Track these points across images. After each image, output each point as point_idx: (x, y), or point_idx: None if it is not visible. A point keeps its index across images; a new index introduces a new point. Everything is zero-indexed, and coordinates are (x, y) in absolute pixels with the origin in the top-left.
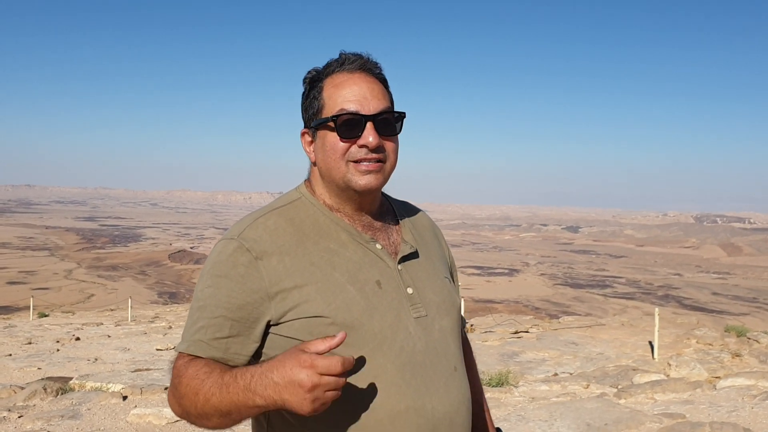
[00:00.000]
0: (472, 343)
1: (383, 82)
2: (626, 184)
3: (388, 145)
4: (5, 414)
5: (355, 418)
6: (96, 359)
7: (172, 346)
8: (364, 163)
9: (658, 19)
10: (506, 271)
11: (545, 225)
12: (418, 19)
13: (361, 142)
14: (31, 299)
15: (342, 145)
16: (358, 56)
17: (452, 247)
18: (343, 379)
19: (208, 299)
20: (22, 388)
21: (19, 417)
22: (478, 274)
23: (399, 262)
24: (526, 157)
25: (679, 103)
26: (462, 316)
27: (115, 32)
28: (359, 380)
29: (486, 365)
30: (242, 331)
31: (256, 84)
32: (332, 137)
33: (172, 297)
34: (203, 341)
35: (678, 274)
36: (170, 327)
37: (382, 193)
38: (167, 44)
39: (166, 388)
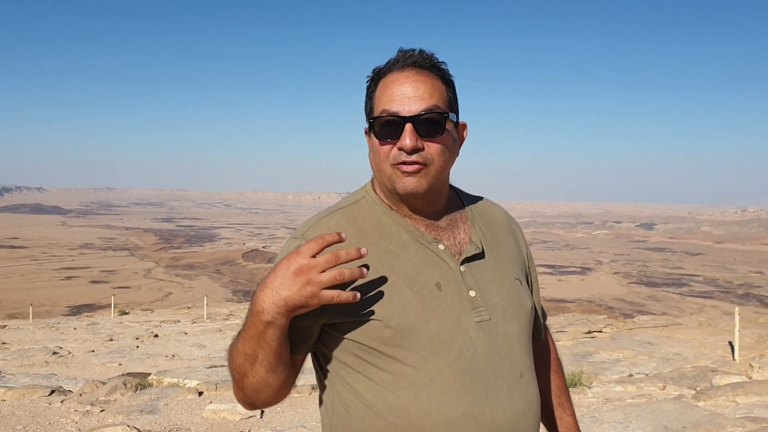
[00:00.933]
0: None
1: (442, 77)
2: (703, 179)
3: (432, 147)
4: (89, 408)
5: (411, 420)
6: (173, 356)
7: None
8: (404, 166)
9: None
10: (578, 269)
11: (618, 222)
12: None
13: (398, 144)
14: (113, 298)
15: (383, 148)
16: (411, 52)
17: None
18: (344, 253)
19: None
20: (104, 384)
21: (101, 411)
22: (550, 273)
23: (462, 263)
24: (598, 153)
25: (757, 93)
26: (542, 316)
27: (195, 34)
28: (415, 383)
29: None
30: (300, 326)
31: (327, 83)
32: (375, 139)
33: (246, 295)
34: None
35: (759, 272)
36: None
37: (454, 189)
38: (247, 46)
39: None
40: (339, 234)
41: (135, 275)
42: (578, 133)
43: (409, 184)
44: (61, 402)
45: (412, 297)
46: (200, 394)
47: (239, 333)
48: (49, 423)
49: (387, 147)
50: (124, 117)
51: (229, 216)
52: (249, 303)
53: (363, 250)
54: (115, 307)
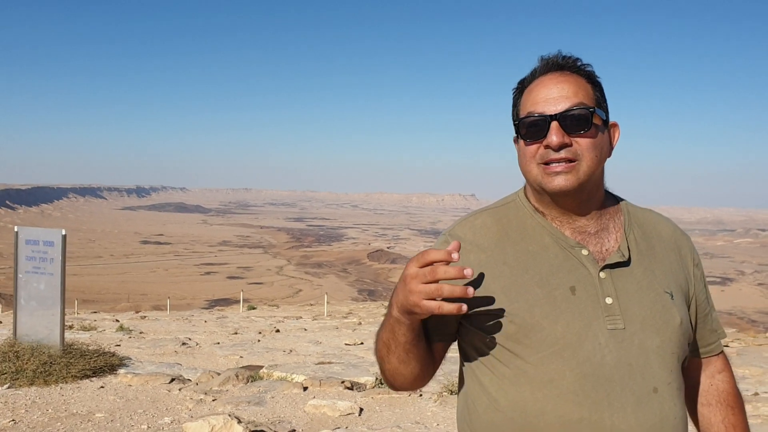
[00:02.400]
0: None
1: (586, 77)
2: None
3: (582, 143)
4: (202, 396)
5: (527, 418)
6: (290, 351)
7: (360, 341)
8: (552, 165)
9: None
10: (718, 279)
11: (764, 230)
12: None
13: (545, 142)
14: (242, 293)
15: (529, 148)
16: (552, 57)
17: None
18: (442, 270)
19: None
20: (219, 374)
21: (213, 400)
22: None
23: (603, 269)
24: (742, 156)
25: None
26: (713, 339)
27: (318, 31)
28: (534, 381)
29: None
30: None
31: (454, 85)
32: (522, 141)
33: (371, 294)
34: None
35: None
36: (360, 323)
37: (613, 196)
38: (368, 45)
39: (342, 381)
40: (450, 253)
41: (268, 272)
42: (719, 135)
43: (558, 181)
44: (179, 390)
45: (542, 297)
46: (305, 389)
47: (383, 321)
48: (166, 408)
49: (533, 147)
50: (262, 123)
51: (355, 216)
52: (369, 302)
53: (467, 271)
54: (244, 302)
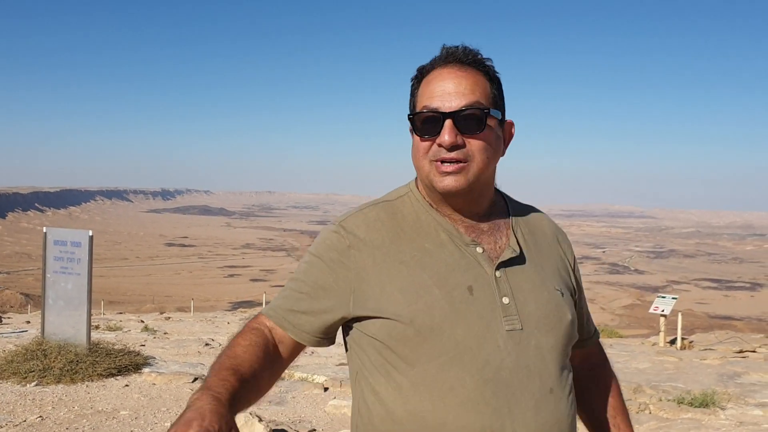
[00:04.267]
0: (688, 362)
1: (485, 72)
2: None
3: (473, 144)
4: None
5: (427, 429)
6: (312, 352)
7: None
8: (444, 164)
9: None
10: (748, 285)
11: None
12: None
13: (438, 140)
14: (264, 295)
15: (423, 144)
16: (454, 49)
17: (684, 258)
18: None
19: (301, 274)
20: None
21: None
22: (715, 288)
23: (498, 268)
24: None
25: None
26: (591, 329)
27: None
28: (434, 390)
29: (699, 384)
30: (316, 312)
31: None
32: (416, 136)
33: None
34: (280, 309)
35: None
36: None
37: (501, 194)
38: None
39: None
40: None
41: (290, 275)
42: (749, 136)
43: (448, 182)
44: None
45: (441, 298)
46: (326, 389)
47: (217, 365)
48: None
49: (427, 143)
50: (285, 126)
51: None
52: None
53: None
54: (266, 304)
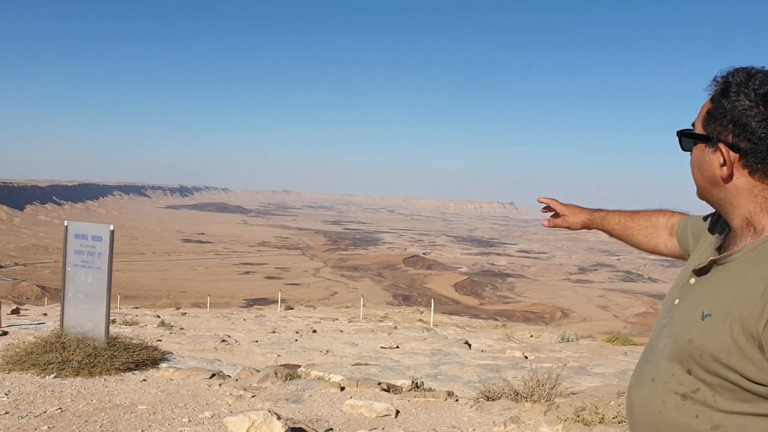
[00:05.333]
0: None
1: (713, 98)
2: None
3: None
4: (242, 393)
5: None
6: (327, 351)
7: (395, 345)
8: None
9: None
10: None
11: None
12: None
13: None
14: (279, 293)
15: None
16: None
17: None
18: None
19: None
20: (258, 371)
21: (252, 396)
22: None
23: (695, 274)
24: None
25: None
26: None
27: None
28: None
29: None
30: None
31: (495, 91)
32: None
33: (406, 299)
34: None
35: None
36: (395, 327)
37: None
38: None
39: (379, 383)
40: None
41: (305, 273)
42: None
43: None
44: (219, 385)
45: (673, 288)
46: (342, 389)
47: None
48: (207, 403)
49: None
50: (302, 126)
51: (392, 221)
52: (404, 307)
53: None
54: (282, 302)
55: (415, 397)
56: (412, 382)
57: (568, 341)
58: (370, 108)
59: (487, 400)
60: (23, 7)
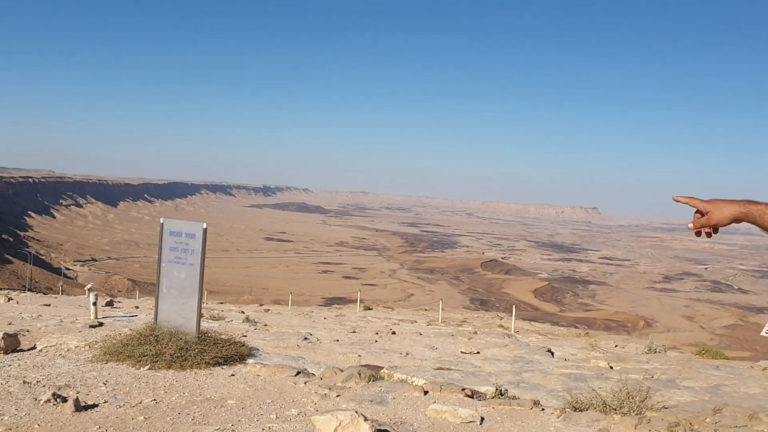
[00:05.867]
0: None
1: None
2: None
3: None
4: (326, 392)
5: None
6: (407, 354)
7: (476, 350)
8: None
9: None
10: None
11: None
12: None
13: None
14: (359, 293)
15: None
16: None
17: None
18: None
19: None
20: (342, 371)
21: (337, 396)
22: None
23: None
24: None
25: None
26: None
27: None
28: None
29: None
30: None
31: (577, 94)
32: None
33: (483, 304)
34: None
35: None
36: (475, 332)
37: None
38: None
39: (463, 389)
40: None
41: (381, 274)
42: None
43: None
44: (304, 383)
45: None
46: (425, 393)
47: None
48: (293, 400)
49: None
50: (381, 128)
51: (470, 224)
52: (483, 312)
53: None
54: (360, 302)
55: (500, 404)
56: (496, 389)
57: (655, 352)
58: (449, 111)
59: (574, 410)
60: (124, 7)
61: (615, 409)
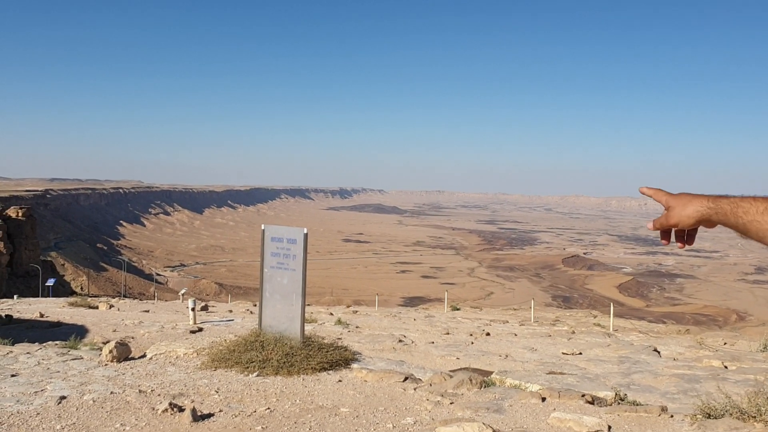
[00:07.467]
0: None
1: None
2: None
3: None
4: (439, 398)
5: None
6: (506, 356)
7: (578, 351)
8: None
9: None
10: None
11: None
12: None
13: None
14: (446, 293)
15: None
16: None
17: None
18: None
19: None
20: (451, 377)
21: (450, 403)
22: None
23: None
24: None
25: None
26: None
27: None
28: None
29: None
30: None
31: (659, 80)
32: None
33: (566, 301)
34: None
35: None
36: (573, 332)
37: None
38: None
39: (582, 395)
40: None
41: (460, 273)
42: None
43: None
44: (414, 390)
45: None
46: (543, 399)
47: None
48: (405, 408)
49: None
50: (454, 126)
51: (549, 220)
52: (576, 310)
53: None
54: (438, 301)
55: (625, 411)
56: (615, 394)
57: None
58: (524, 106)
59: (707, 417)
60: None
61: (754, 417)
